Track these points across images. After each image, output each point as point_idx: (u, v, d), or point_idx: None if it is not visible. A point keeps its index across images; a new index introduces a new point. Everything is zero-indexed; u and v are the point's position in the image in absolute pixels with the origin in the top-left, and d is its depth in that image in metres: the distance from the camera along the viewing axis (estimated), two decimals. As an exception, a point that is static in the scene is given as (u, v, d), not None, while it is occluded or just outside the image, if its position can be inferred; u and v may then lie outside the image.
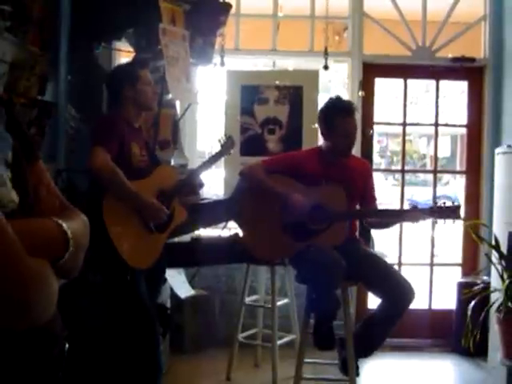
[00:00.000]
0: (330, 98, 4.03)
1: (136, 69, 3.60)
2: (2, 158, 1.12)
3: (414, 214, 3.81)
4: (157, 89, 3.74)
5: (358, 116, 5.18)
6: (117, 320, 3.36)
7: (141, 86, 3.52)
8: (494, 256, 4.44)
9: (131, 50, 4.38)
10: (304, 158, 4.03)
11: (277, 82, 5.07)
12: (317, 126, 4.09)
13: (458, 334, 4.80)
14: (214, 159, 3.90)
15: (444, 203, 3.78)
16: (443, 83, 5.80)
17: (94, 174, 3.27)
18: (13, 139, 1.18)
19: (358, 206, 4.08)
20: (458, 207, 3.77)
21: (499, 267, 4.37)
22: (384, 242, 7.43)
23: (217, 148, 3.94)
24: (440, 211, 3.77)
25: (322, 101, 4.26)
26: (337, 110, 3.91)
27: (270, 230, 3.92)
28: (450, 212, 3.74)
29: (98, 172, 3.23)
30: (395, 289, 3.70)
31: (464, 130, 5.85)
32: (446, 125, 6.79)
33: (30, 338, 1.07)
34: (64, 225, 1.15)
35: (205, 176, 3.88)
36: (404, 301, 3.72)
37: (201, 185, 3.83)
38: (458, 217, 3.79)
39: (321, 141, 4.11)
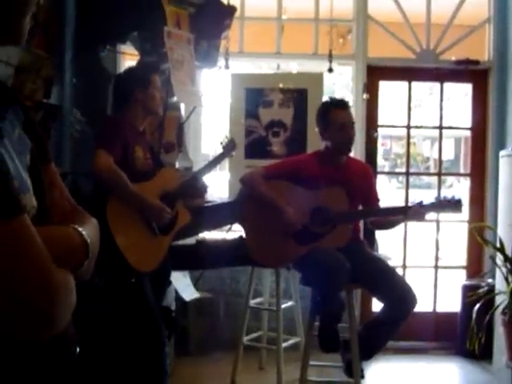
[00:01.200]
0: (324, 100, 4.20)
1: (149, 73, 3.62)
2: (24, 162, 1.12)
3: (416, 209, 3.82)
4: (163, 94, 3.75)
5: (363, 119, 5.25)
6: (122, 323, 3.36)
7: (152, 90, 3.55)
8: (499, 258, 4.44)
9: (136, 53, 4.39)
10: (304, 163, 4.06)
11: (281, 85, 5.08)
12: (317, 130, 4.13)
13: (463, 336, 4.80)
14: (215, 161, 3.92)
15: (445, 197, 3.82)
16: (447, 86, 5.80)
17: (96, 175, 3.30)
18: (30, 141, 1.18)
19: (360, 207, 4.09)
20: (459, 201, 3.79)
21: (504, 269, 4.37)
22: (388, 245, 7.43)
23: (219, 150, 3.96)
24: (441, 205, 3.80)
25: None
26: (330, 105, 4.03)
27: (274, 235, 3.93)
28: (452, 205, 3.78)
29: (99, 174, 3.25)
30: (396, 295, 3.69)
31: (468, 133, 5.85)
32: (450, 127, 6.79)
33: (44, 345, 1.07)
34: (84, 233, 1.15)
35: (209, 179, 3.88)
36: (405, 307, 3.71)
37: (205, 188, 3.83)
38: (459, 210, 3.81)
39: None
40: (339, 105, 4.00)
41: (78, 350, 1.24)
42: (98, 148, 3.26)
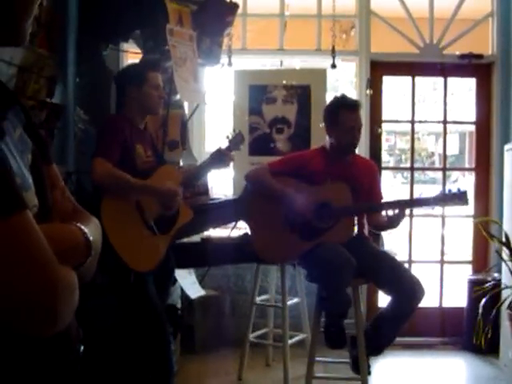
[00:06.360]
0: (336, 96, 4.10)
1: (144, 70, 3.55)
2: (25, 161, 1.12)
3: (422, 203, 3.80)
4: (163, 93, 3.68)
5: (366, 114, 5.23)
6: (127, 321, 3.36)
7: (147, 88, 3.49)
8: (505, 253, 4.43)
9: (139, 51, 4.39)
10: (309, 158, 4.05)
11: (284, 82, 5.07)
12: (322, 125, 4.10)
13: (470, 331, 4.79)
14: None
15: (450, 190, 3.79)
16: (451, 80, 5.78)
17: (97, 185, 3.30)
18: (31, 142, 1.18)
19: None
20: (465, 193, 3.76)
21: (510, 264, 4.36)
22: (394, 240, 7.42)
23: (225, 145, 3.84)
24: (447, 198, 3.77)
25: (329, 100, 4.27)
26: (341, 105, 3.96)
27: (278, 231, 3.93)
28: (457, 198, 3.75)
29: (99, 182, 3.25)
30: (404, 287, 3.68)
31: (472, 127, 5.83)
32: (455, 122, 6.76)
33: (47, 343, 1.07)
34: (86, 230, 1.16)
35: (213, 176, 3.86)
36: (413, 299, 3.70)
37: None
38: (465, 202, 3.77)
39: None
40: (350, 106, 3.94)
41: (82, 348, 1.23)
42: (95, 156, 3.25)
